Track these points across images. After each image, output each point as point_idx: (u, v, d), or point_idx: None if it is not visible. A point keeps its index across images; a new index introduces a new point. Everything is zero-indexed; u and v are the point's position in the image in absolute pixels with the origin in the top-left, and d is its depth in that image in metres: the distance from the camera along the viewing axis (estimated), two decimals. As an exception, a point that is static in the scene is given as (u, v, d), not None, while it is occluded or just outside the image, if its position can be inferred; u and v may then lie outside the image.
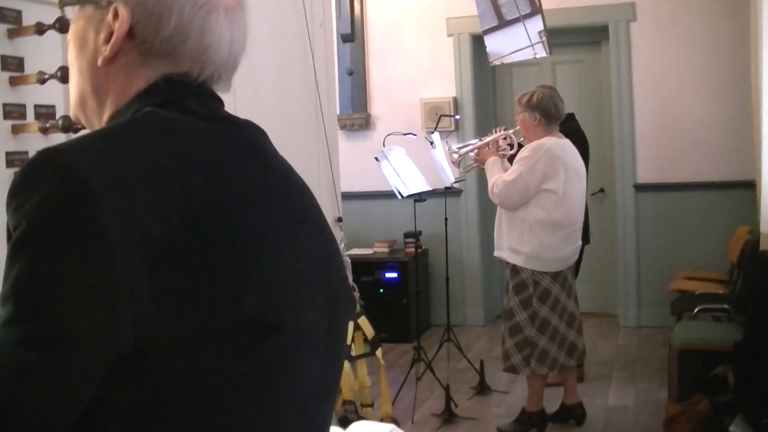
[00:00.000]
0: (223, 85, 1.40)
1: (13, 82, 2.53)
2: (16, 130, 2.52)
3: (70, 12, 1.45)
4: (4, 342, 1.11)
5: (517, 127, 5.73)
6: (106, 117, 1.36)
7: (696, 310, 6.40)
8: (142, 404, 1.16)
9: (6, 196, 1.16)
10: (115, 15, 1.30)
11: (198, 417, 1.19)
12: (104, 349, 1.13)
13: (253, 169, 1.32)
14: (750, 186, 7.68)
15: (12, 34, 2.52)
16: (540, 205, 5.38)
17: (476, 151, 5.96)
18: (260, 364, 1.23)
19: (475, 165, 6.08)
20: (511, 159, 5.73)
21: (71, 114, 1.45)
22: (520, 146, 5.72)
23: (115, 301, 1.11)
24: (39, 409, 1.13)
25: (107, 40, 1.32)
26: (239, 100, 3.72)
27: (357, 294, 4.77)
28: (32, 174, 1.14)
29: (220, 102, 1.39)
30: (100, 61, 1.33)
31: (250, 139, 1.36)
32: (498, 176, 5.52)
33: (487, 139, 5.94)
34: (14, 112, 2.54)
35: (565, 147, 5.52)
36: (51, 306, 1.11)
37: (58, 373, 1.12)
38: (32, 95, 2.58)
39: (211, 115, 1.33)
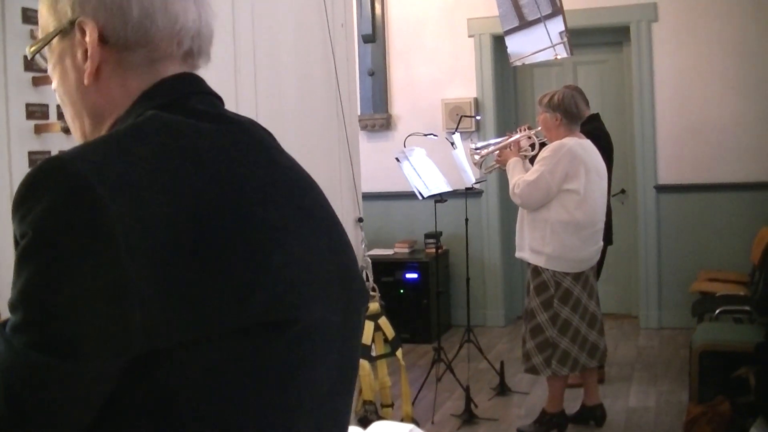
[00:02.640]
0: (204, 57, 1.41)
1: (36, 82, 2.55)
2: (39, 129, 2.54)
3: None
4: (16, 346, 1.11)
5: (539, 128, 5.73)
6: (106, 129, 1.35)
7: (717, 311, 6.37)
8: (154, 404, 1.17)
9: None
10: (82, 31, 1.30)
11: (211, 415, 1.19)
12: (115, 353, 1.13)
13: (259, 167, 1.31)
14: (772, 187, 7.66)
15: (35, 35, 2.54)
16: (562, 205, 5.37)
17: (498, 151, 5.96)
18: (274, 360, 1.23)
19: (497, 166, 6.08)
20: (532, 160, 5.73)
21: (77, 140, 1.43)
22: (543, 146, 5.71)
23: (124, 306, 1.11)
24: (53, 412, 1.14)
25: (85, 57, 1.31)
26: (261, 100, 3.74)
27: (377, 295, 4.78)
28: (35, 183, 1.14)
29: (220, 101, 1.39)
30: (86, 80, 1.32)
31: (254, 137, 1.36)
32: (519, 176, 5.51)
33: (511, 139, 5.94)
34: (37, 112, 2.56)
35: (587, 147, 5.50)
36: (60, 313, 1.11)
37: (70, 378, 1.12)
38: (55, 95, 2.59)
39: (214, 114, 1.32)
